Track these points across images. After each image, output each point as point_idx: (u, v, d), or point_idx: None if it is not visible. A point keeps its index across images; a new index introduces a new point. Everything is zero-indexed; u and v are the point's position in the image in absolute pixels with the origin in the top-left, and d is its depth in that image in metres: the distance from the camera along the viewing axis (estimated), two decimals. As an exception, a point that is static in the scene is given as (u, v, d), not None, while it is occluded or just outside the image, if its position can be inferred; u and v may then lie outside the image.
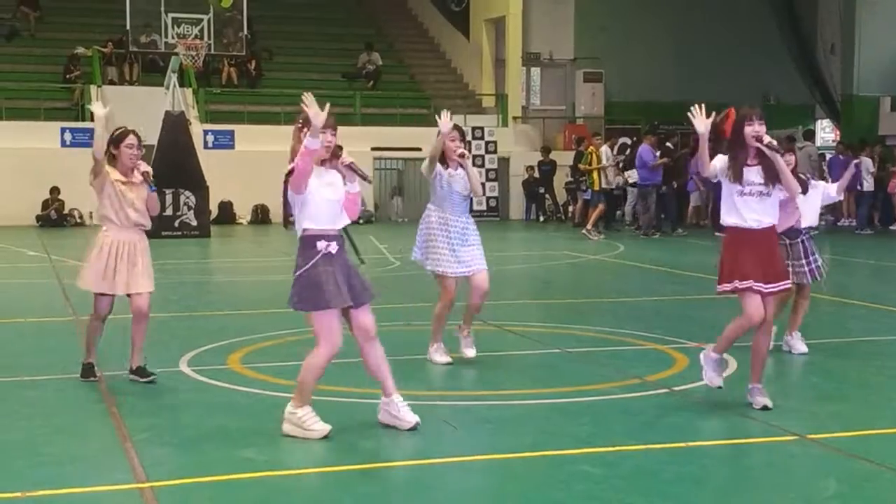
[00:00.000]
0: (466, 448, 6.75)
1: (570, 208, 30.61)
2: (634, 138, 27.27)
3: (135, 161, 8.32)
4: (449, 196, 9.14)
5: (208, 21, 25.69)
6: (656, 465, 6.32)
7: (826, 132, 37.75)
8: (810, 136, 28.84)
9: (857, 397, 8.34)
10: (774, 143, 7.31)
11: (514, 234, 26.75)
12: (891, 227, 26.64)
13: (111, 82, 30.61)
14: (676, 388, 8.26)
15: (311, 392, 6.88)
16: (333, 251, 6.78)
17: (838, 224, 27.87)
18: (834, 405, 7.86)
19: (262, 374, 8.74)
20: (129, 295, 8.44)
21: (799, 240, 9.32)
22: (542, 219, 30.70)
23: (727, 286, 7.36)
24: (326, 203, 6.80)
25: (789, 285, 7.65)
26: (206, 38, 25.70)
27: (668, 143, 26.55)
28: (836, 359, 9.64)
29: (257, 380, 8.57)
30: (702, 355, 7.69)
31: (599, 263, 18.82)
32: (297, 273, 6.76)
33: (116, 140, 8.30)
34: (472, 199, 9.35)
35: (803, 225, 9.31)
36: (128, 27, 26.03)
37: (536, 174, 30.88)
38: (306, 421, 6.77)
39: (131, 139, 8.29)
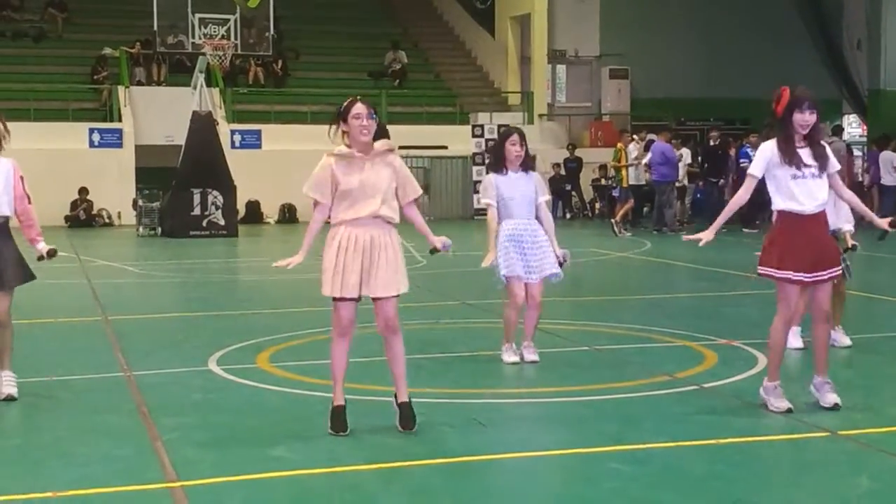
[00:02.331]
0: (496, 446, 6.73)
1: (597, 205, 30.57)
2: (659, 135, 27.14)
3: (368, 133, 6.81)
4: (511, 199, 9.04)
5: (235, 21, 25.72)
6: (686, 462, 6.29)
7: (853, 127, 37.53)
8: (838, 131, 28.71)
9: (888, 392, 8.27)
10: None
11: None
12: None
13: (139, 83, 30.74)
14: (706, 385, 8.22)
15: None
16: None
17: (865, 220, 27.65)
18: (865, 400, 7.79)
19: (290, 373, 8.74)
20: (374, 301, 6.91)
21: None
22: (568, 216, 30.64)
23: (771, 271, 7.17)
24: None
25: (840, 271, 7.49)
26: (232, 39, 25.74)
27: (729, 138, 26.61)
28: (865, 354, 9.57)
29: (286, 378, 8.57)
30: (762, 392, 7.43)
31: (626, 260, 18.76)
32: None
33: (344, 113, 6.86)
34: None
35: (831, 227, 9.18)
36: (155, 28, 26.10)
37: (563, 171, 30.82)
38: None
39: (358, 108, 6.82)
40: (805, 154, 7.14)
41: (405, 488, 5.92)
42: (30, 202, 8.08)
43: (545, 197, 9.27)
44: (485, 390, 8.32)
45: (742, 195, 7.38)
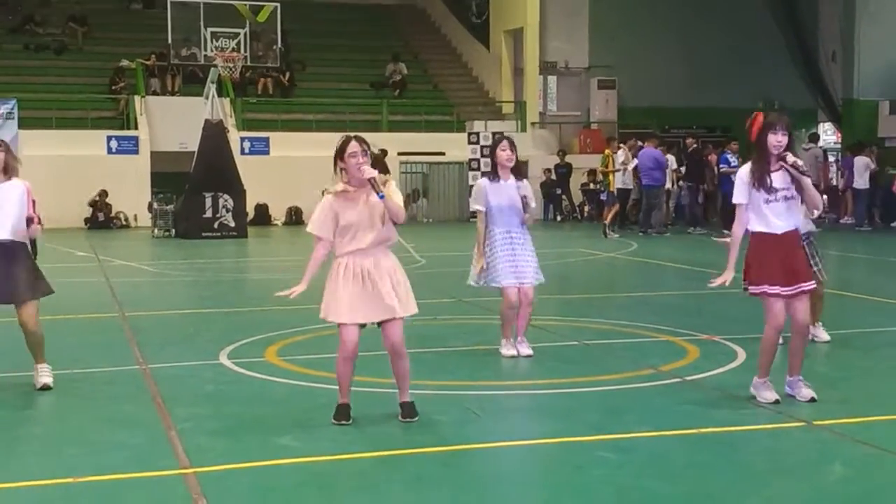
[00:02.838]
0: (490, 435, 6.74)
1: (586, 208, 30.58)
2: (646, 142, 27.13)
3: (362, 169, 6.73)
4: (497, 208, 9.12)
5: (245, 35, 25.76)
6: (669, 450, 6.29)
7: (828, 135, 37.53)
8: (815, 139, 28.75)
9: (861, 385, 8.27)
10: (800, 163, 7.16)
11: (533, 233, 26.62)
12: (892, 225, 26.45)
13: (154, 93, 30.74)
14: (688, 378, 8.22)
15: None
16: None
17: (840, 221, 27.75)
18: (839, 393, 7.80)
19: (297, 366, 8.74)
20: (381, 325, 6.89)
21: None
22: (559, 218, 30.65)
23: (756, 290, 7.21)
24: None
25: (815, 285, 7.46)
26: (242, 51, 25.76)
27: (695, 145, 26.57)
28: (839, 349, 9.57)
29: (293, 371, 8.58)
30: (752, 389, 7.42)
31: (614, 260, 18.76)
32: None
33: (340, 151, 6.77)
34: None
35: (802, 230, 9.14)
36: (169, 41, 26.10)
37: (553, 176, 30.84)
38: None
39: (353, 147, 6.72)
40: (778, 177, 7.15)
41: (405, 475, 5.93)
42: (39, 223, 7.94)
43: (533, 204, 9.32)
44: (479, 383, 8.33)
45: (737, 228, 7.30)
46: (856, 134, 31.06)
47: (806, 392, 7.32)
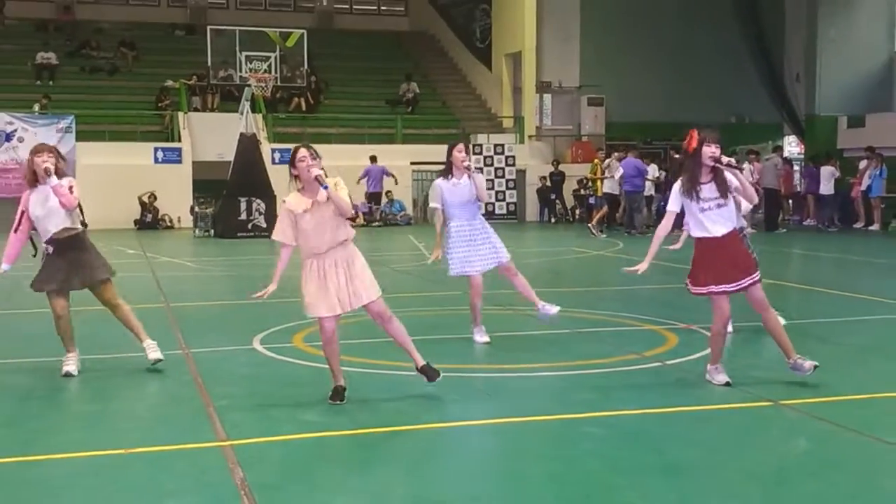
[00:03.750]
0: (490, 413, 6.73)
1: (577, 211, 30.53)
2: (628, 153, 27.01)
3: (311, 170, 6.65)
4: (453, 205, 9.10)
5: (275, 58, 25.83)
6: (651, 426, 6.28)
7: (792, 146, 37.44)
8: (777, 150, 28.73)
9: (822, 369, 8.22)
10: (733, 161, 7.20)
11: (530, 233, 26.66)
12: (854, 226, 26.34)
13: (195, 109, 30.75)
14: (669, 362, 8.21)
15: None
16: (50, 251, 7.73)
17: (803, 224, 27.68)
18: (802, 377, 7.76)
19: (321, 351, 8.70)
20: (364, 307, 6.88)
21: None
22: (553, 221, 30.61)
23: (703, 290, 7.22)
24: (39, 219, 7.68)
25: (759, 277, 7.41)
26: (273, 72, 25.81)
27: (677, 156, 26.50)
28: (802, 336, 9.50)
29: (317, 356, 8.55)
30: (706, 376, 7.38)
31: (602, 258, 18.72)
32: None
33: (292, 160, 6.77)
34: (484, 205, 9.28)
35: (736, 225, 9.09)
36: (209, 63, 26.17)
37: (549, 183, 30.81)
38: None
39: (301, 153, 6.70)
40: (709, 188, 7.12)
41: (415, 447, 5.92)
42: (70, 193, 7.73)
43: (484, 194, 9.17)
44: (479, 366, 8.33)
45: (660, 229, 7.39)
46: (817, 146, 31.00)
47: (808, 364, 7.26)
